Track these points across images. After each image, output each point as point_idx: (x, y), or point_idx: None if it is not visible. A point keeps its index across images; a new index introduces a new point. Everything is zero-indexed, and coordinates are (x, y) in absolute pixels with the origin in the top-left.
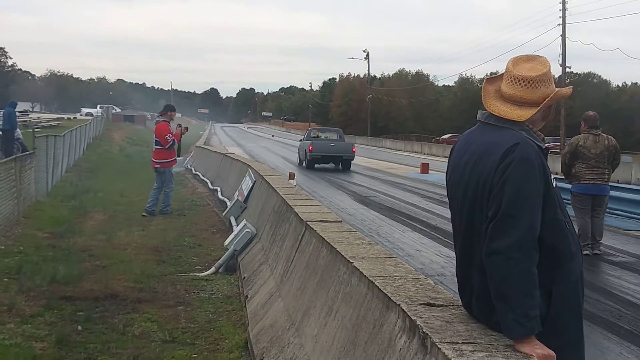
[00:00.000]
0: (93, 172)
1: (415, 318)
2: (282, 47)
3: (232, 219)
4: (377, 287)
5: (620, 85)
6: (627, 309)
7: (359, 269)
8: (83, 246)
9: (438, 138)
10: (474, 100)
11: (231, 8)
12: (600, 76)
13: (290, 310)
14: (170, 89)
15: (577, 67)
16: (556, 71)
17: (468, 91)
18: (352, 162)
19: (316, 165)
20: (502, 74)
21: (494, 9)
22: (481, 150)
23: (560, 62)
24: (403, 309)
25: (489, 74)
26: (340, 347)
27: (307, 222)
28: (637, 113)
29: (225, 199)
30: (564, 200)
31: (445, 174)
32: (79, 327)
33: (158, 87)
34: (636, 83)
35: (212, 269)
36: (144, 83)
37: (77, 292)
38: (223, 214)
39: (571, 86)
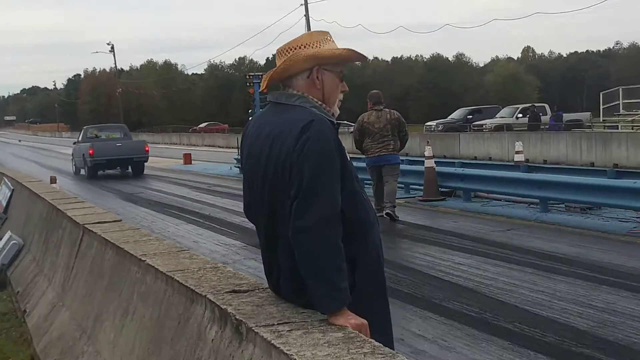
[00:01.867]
0: None
1: (225, 306)
2: (17, 47)
3: None
4: (178, 281)
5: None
6: (404, 274)
7: (153, 266)
8: None
9: (195, 127)
10: (225, 87)
11: None
12: None
13: (78, 318)
14: None
15: None
16: None
17: (218, 78)
18: (145, 164)
19: (100, 173)
20: None
21: None
22: (276, 130)
23: None
24: (210, 299)
25: (237, 59)
26: (143, 347)
27: (85, 225)
28: (380, 86)
29: None
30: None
31: (240, 158)
32: None
33: None
34: (377, 57)
35: None
36: None
37: None
38: None
39: (341, 49)
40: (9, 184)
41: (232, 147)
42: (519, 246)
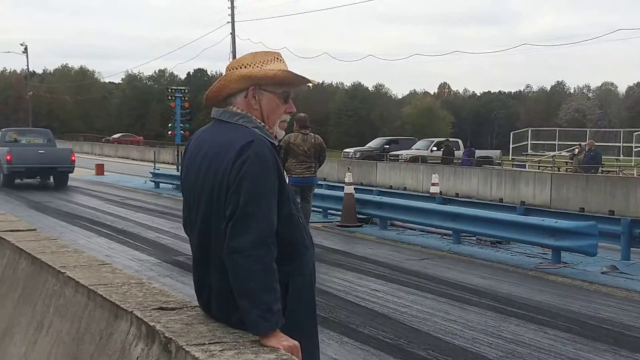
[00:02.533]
0: None
1: (153, 323)
2: None
3: None
4: (101, 295)
5: None
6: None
7: (74, 279)
8: None
9: (109, 138)
10: (143, 99)
11: None
12: None
13: None
14: None
15: None
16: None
17: (137, 88)
18: (70, 174)
19: (17, 181)
20: None
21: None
22: (216, 148)
23: (231, 59)
24: (137, 315)
25: (157, 71)
26: None
27: None
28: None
29: None
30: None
31: (180, 174)
32: None
33: None
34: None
35: None
36: None
37: None
38: None
39: (277, 70)
40: None
41: (147, 160)
42: (432, 275)
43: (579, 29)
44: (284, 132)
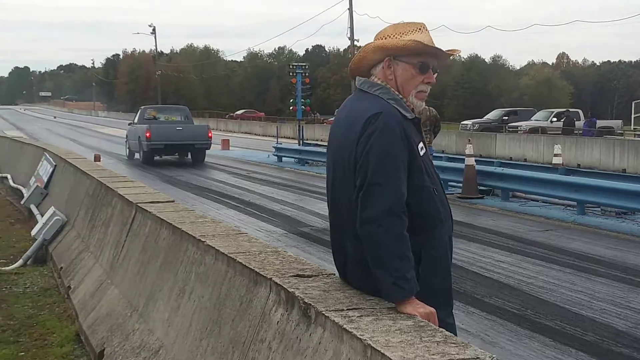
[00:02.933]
0: None
1: (292, 290)
2: (58, 23)
3: (33, 207)
4: (241, 263)
5: None
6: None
7: (213, 247)
8: None
9: (232, 114)
10: (263, 76)
11: None
12: None
13: (129, 296)
14: None
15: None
16: (345, 44)
17: (258, 66)
18: (207, 151)
19: (156, 158)
20: None
21: None
22: (350, 118)
23: (349, 35)
24: (276, 282)
25: (277, 49)
26: (200, 327)
27: (138, 204)
28: None
29: (20, 187)
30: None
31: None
32: None
33: None
34: None
35: (20, 262)
36: None
37: None
38: (22, 202)
39: (407, 41)
40: (51, 159)
41: (269, 135)
42: (557, 247)
43: None
44: (423, 103)
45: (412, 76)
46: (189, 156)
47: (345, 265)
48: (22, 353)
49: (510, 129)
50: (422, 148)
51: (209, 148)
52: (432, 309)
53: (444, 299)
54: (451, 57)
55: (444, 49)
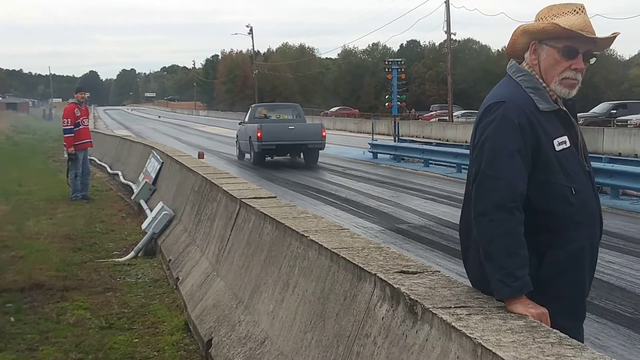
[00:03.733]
0: None
1: (397, 286)
2: (161, 25)
3: (142, 202)
4: (345, 258)
5: (501, 49)
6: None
7: (317, 242)
8: None
9: (327, 111)
10: (357, 73)
11: None
12: (479, 42)
13: (234, 289)
14: (48, 73)
15: (462, 33)
16: (440, 38)
17: (352, 63)
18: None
19: (267, 159)
20: None
21: None
22: (482, 104)
23: (445, 29)
24: (381, 278)
25: (370, 45)
26: (305, 320)
27: (242, 200)
28: None
29: (130, 183)
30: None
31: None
32: (12, 319)
33: (36, 73)
34: None
35: (132, 254)
36: (20, 69)
37: (0, 284)
38: (132, 197)
39: (546, 23)
40: (158, 157)
41: (364, 132)
42: None
43: None
44: (569, 91)
45: (556, 61)
46: (302, 157)
47: (468, 249)
48: (136, 340)
49: (619, 123)
50: (561, 142)
51: (322, 148)
52: (544, 310)
53: (569, 307)
54: (611, 42)
55: (600, 35)
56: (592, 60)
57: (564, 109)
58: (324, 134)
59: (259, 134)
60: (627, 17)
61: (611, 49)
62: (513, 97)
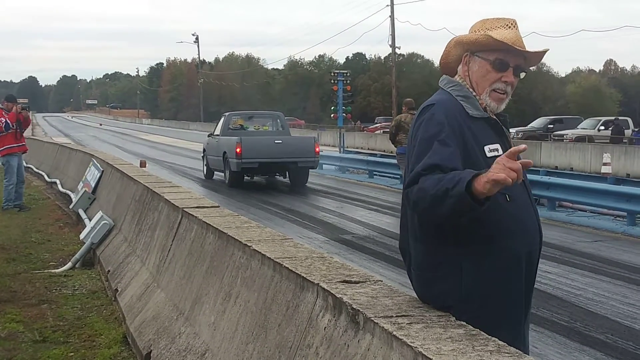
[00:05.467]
0: None
1: (340, 295)
2: (103, 32)
3: (81, 212)
4: (287, 268)
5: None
6: None
7: (260, 252)
8: None
9: None
10: (303, 84)
11: None
12: (423, 56)
13: (175, 300)
14: None
15: (407, 48)
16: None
17: (298, 74)
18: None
19: (246, 179)
20: None
21: None
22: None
23: (390, 42)
24: (323, 287)
25: (317, 57)
26: (246, 332)
27: (184, 209)
28: None
29: (68, 192)
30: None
31: None
32: None
33: None
34: None
35: (69, 264)
36: None
37: None
38: (70, 206)
39: (480, 34)
40: (98, 165)
41: None
42: (607, 258)
43: None
44: (497, 105)
45: (487, 73)
46: (287, 177)
47: (410, 268)
48: (72, 353)
49: (556, 138)
50: (492, 150)
51: (315, 167)
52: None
53: (508, 316)
54: (541, 58)
55: (530, 50)
56: (522, 75)
57: (495, 118)
58: (317, 149)
59: (238, 150)
60: (562, 36)
61: (548, 67)
62: (442, 102)
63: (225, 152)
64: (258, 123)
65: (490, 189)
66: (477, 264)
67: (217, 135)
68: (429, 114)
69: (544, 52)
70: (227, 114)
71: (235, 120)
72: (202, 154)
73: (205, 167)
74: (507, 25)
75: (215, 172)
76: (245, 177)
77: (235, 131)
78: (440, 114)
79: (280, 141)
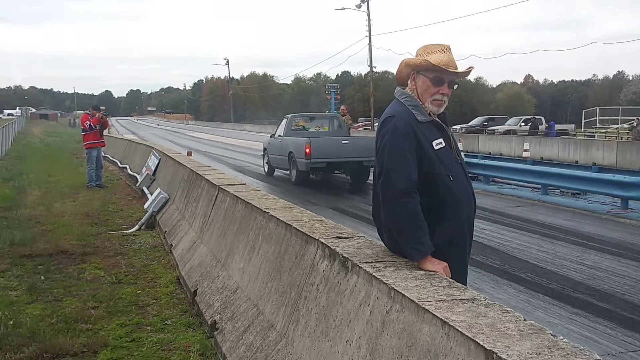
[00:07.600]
0: (22, 159)
1: (334, 247)
2: (160, 56)
3: (145, 189)
4: (296, 228)
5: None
6: None
7: (275, 217)
8: (29, 216)
9: None
10: (305, 94)
11: (125, 26)
12: (393, 73)
13: (214, 252)
14: (73, 92)
15: (381, 67)
16: (365, 70)
17: (301, 87)
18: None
19: (311, 176)
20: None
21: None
22: (380, 119)
23: (368, 63)
24: (322, 242)
25: (315, 74)
26: (266, 274)
27: (220, 186)
28: None
29: (135, 174)
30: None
31: None
32: (42, 277)
33: (63, 91)
34: None
35: (136, 227)
36: (52, 88)
37: (33, 251)
38: (137, 185)
39: (421, 60)
40: (157, 154)
41: None
42: (526, 218)
43: (636, 29)
44: (437, 109)
45: (428, 87)
46: (350, 176)
47: (381, 229)
48: (140, 291)
49: (489, 132)
50: (438, 143)
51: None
52: (446, 264)
53: (459, 262)
54: (468, 74)
55: (458, 70)
56: (455, 87)
57: (437, 120)
58: None
59: (307, 150)
60: (494, 57)
61: (484, 79)
62: (400, 113)
63: (291, 152)
64: (318, 124)
65: (428, 268)
66: (433, 227)
67: (280, 136)
68: (392, 125)
69: (469, 70)
70: (289, 116)
71: (297, 121)
72: (262, 153)
73: (266, 165)
74: (443, 50)
75: (276, 170)
76: (311, 176)
77: (298, 132)
78: (401, 124)
79: (347, 142)
